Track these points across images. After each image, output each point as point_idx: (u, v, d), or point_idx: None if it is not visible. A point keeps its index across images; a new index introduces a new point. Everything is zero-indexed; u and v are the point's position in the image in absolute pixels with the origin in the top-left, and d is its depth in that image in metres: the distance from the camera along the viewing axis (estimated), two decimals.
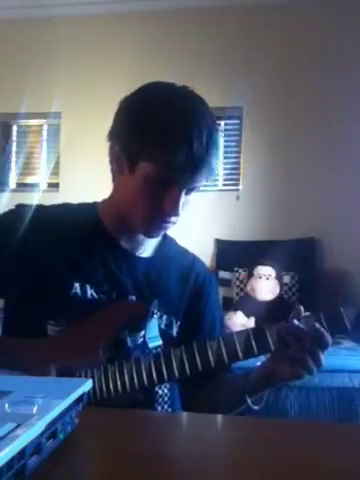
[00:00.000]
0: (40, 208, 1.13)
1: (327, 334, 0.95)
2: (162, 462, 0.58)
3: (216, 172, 1.04)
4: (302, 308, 0.99)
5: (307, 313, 1.00)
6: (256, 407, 1.05)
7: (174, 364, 0.97)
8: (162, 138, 0.97)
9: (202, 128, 0.97)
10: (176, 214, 1.02)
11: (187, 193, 1.02)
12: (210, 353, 0.97)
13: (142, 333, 1.05)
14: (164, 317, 1.10)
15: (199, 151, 0.97)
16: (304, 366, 0.95)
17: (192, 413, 0.89)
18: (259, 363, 1.06)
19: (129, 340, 1.04)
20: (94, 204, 1.16)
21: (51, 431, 0.55)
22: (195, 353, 0.97)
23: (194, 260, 1.22)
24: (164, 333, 1.08)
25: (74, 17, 4.07)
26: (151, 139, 0.98)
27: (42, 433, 0.52)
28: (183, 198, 1.01)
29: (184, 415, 0.95)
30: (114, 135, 1.05)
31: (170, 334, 1.11)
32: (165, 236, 1.18)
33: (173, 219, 1.04)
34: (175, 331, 1.12)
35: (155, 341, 1.05)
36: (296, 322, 0.96)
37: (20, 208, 1.13)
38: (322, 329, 0.95)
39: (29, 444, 0.49)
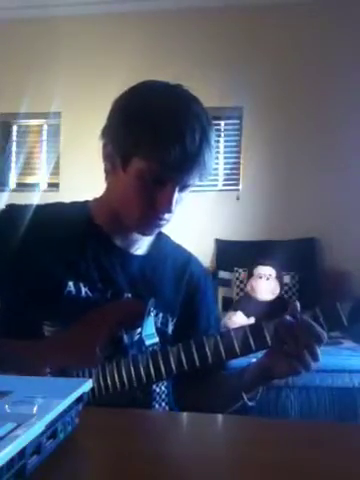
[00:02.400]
0: (32, 207, 1.12)
1: (321, 329, 0.96)
2: (162, 462, 0.58)
3: (211, 171, 1.03)
4: (298, 304, 1.00)
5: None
6: (251, 403, 1.05)
7: (171, 360, 0.98)
8: (154, 135, 0.97)
9: (195, 126, 0.97)
10: (169, 211, 1.02)
11: (181, 190, 1.02)
12: (208, 349, 0.98)
13: (138, 331, 1.05)
14: (160, 315, 1.10)
15: (192, 149, 0.96)
16: (301, 361, 0.96)
17: (192, 413, 0.89)
18: (254, 360, 1.06)
19: (126, 338, 1.04)
20: (86, 203, 1.16)
21: (51, 431, 0.55)
22: (193, 349, 0.98)
23: (189, 258, 1.21)
24: (160, 331, 1.08)
25: (74, 17, 4.07)
26: (143, 136, 0.98)
27: (42, 433, 0.52)
28: (176, 195, 1.01)
29: (184, 415, 0.95)
30: (107, 133, 1.05)
31: (166, 332, 1.11)
32: (160, 233, 1.18)
33: (167, 216, 1.04)
34: (171, 329, 1.12)
35: (151, 338, 1.05)
36: (293, 318, 0.97)
37: (12, 208, 1.13)
38: (316, 324, 0.96)
39: (29, 444, 0.49)
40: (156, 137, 0.96)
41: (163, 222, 1.06)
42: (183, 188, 1.02)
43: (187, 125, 0.97)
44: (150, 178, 0.99)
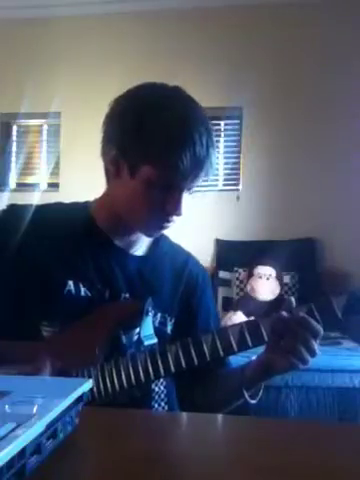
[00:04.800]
0: (32, 207, 1.13)
1: (316, 323, 0.96)
2: (162, 462, 0.58)
3: (216, 167, 1.08)
4: (293, 300, 1.01)
5: None
6: (253, 401, 1.06)
7: (170, 358, 0.98)
8: (165, 143, 0.98)
9: (201, 129, 0.99)
10: (179, 214, 1.04)
11: (187, 191, 1.04)
12: (205, 346, 0.99)
13: (137, 331, 1.06)
14: (158, 315, 1.11)
15: (201, 153, 0.99)
16: (298, 356, 0.97)
17: (192, 413, 0.89)
18: (254, 357, 1.07)
19: (124, 338, 1.05)
20: (86, 203, 1.16)
21: (51, 431, 0.55)
22: (190, 347, 0.99)
23: (188, 257, 1.22)
24: (159, 331, 1.09)
25: (74, 17, 4.07)
26: (155, 145, 0.98)
27: (42, 433, 0.52)
28: (185, 197, 1.03)
29: (184, 415, 0.95)
30: (110, 139, 1.05)
31: (164, 331, 1.11)
32: None
33: (175, 218, 1.06)
34: (169, 328, 1.12)
35: (150, 339, 1.06)
36: (288, 313, 0.98)
37: (12, 208, 1.14)
38: (311, 319, 0.97)
39: (29, 444, 0.49)
40: (168, 146, 0.98)
41: (171, 224, 1.08)
42: (189, 189, 1.04)
43: (196, 131, 0.99)
44: (160, 184, 1.01)
